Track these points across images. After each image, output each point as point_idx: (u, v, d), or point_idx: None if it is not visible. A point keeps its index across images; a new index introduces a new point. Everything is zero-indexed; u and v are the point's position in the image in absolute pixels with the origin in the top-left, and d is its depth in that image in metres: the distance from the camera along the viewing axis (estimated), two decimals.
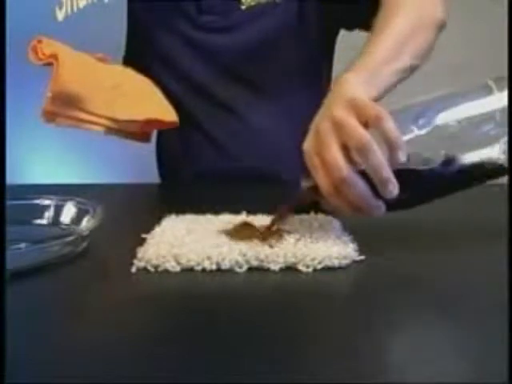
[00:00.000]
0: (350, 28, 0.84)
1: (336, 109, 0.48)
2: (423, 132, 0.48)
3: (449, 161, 0.48)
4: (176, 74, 0.85)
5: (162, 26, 0.85)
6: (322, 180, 0.48)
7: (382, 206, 0.48)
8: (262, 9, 0.81)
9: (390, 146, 0.46)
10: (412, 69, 0.58)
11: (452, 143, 0.49)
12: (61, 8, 1.56)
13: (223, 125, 0.86)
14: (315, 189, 0.49)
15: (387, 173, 0.46)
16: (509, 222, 0.52)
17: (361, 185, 0.47)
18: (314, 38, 0.84)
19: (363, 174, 0.47)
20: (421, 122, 0.48)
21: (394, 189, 0.46)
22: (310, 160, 0.49)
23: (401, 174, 0.46)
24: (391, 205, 0.48)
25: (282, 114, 0.86)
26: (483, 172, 0.50)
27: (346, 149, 0.47)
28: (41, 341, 0.37)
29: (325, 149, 0.48)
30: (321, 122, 0.49)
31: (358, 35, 0.77)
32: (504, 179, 0.52)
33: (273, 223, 0.53)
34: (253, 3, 0.81)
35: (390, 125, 0.46)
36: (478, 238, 0.56)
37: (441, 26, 0.64)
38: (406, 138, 0.47)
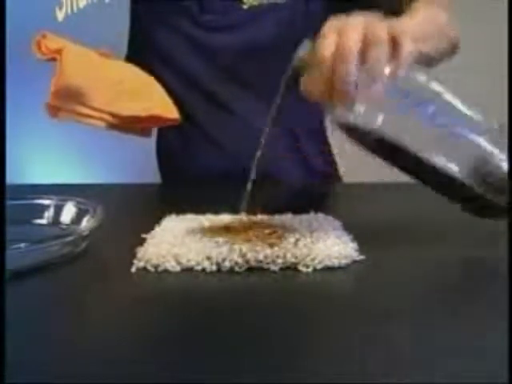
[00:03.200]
0: None
1: (374, 20, 0.48)
2: (422, 118, 0.47)
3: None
4: (177, 72, 0.85)
5: (163, 24, 0.85)
6: (326, 44, 0.47)
7: (358, 107, 0.46)
8: (264, 9, 0.81)
9: (397, 58, 0.46)
10: (428, 59, 0.58)
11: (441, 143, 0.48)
12: (61, 8, 1.56)
13: (223, 124, 0.86)
14: (310, 56, 0.49)
15: (382, 71, 0.45)
16: (509, 222, 0.52)
17: (354, 67, 0.46)
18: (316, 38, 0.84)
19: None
20: (420, 108, 0.47)
21: (351, 83, 0.45)
22: (326, 30, 0.49)
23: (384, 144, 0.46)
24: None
25: (282, 114, 0.86)
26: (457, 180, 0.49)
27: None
28: (41, 341, 0.37)
29: (348, 29, 0.47)
30: (353, 18, 0.49)
31: None
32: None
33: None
34: (255, 3, 0.81)
35: (409, 45, 0.46)
36: (478, 237, 0.56)
37: (455, 45, 0.64)
38: (401, 112, 0.47)
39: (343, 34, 0.47)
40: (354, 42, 0.46)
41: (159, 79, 0.80)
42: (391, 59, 0.46)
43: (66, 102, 0.70)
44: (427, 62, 0.58)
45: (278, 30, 0.81)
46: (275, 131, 0.85)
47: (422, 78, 0.48)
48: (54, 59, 0.70)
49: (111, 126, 0.74)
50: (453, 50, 0.65)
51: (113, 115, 0.72)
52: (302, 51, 0.50)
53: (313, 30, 0.81)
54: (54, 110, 0.71)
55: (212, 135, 0.86)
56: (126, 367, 0.33)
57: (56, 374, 0.33)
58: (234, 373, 0.32)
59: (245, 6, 0.81)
